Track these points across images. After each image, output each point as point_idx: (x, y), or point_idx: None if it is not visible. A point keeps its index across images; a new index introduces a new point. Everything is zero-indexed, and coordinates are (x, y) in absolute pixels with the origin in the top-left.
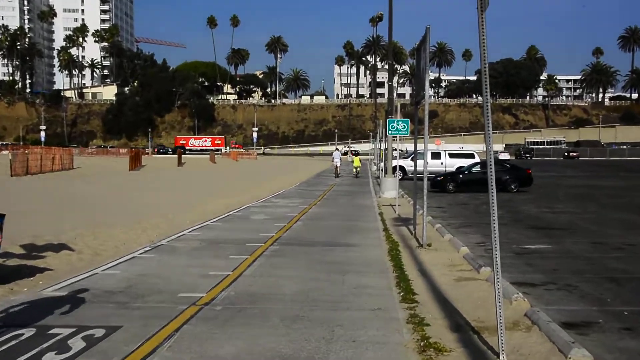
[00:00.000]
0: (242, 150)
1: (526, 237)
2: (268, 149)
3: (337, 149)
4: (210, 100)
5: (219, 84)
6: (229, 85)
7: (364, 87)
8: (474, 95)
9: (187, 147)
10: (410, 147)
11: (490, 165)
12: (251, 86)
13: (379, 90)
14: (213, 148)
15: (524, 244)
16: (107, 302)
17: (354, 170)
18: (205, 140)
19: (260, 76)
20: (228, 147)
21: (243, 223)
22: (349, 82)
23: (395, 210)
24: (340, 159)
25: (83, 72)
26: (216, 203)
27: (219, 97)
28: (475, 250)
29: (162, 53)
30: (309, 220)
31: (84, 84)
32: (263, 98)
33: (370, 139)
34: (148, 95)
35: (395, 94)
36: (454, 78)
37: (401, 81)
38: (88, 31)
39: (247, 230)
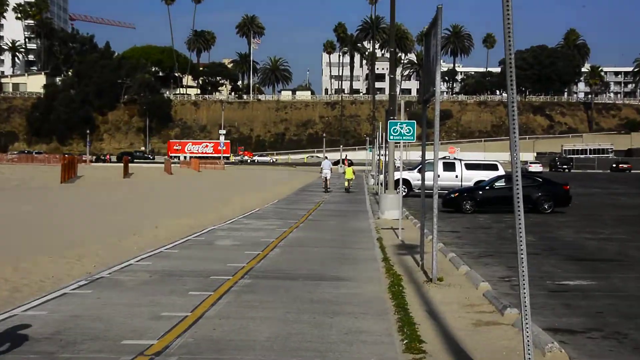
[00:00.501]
0: (242, 156)
1: (563, 271)
2: (275, 157)
3: (326, 158)
4: (165, 95)
5: (177, 74)
6: (190, 77)
7: (359, 80)
8: (498, 92)
9: (181, 154)
10: (416, 156)
11: (517, 179)
12: (218, 78)
13: (378, 85)
14: (216, 155)
15: (560, 279)
16: (28, 353)
17: (346, 183)
18: (207, 146)
19: (230, 65)
20: (243, 155)
21: (206, 250)
22: (340, 73)
23: (398, 235)
24: (331, 169)
25: (1, 57)
26: (172, 224)
27: (177, 92)
28: (498, 286)
29: (105, 35)
30: (290, 247)
31: (3, 72)
32: (233, 93)
33: (366, 145)
34: (86, 88)
35: (398, 90)
36: (472, 70)
37: (406, 73)
38: (8, 5)
39: (212, 259)
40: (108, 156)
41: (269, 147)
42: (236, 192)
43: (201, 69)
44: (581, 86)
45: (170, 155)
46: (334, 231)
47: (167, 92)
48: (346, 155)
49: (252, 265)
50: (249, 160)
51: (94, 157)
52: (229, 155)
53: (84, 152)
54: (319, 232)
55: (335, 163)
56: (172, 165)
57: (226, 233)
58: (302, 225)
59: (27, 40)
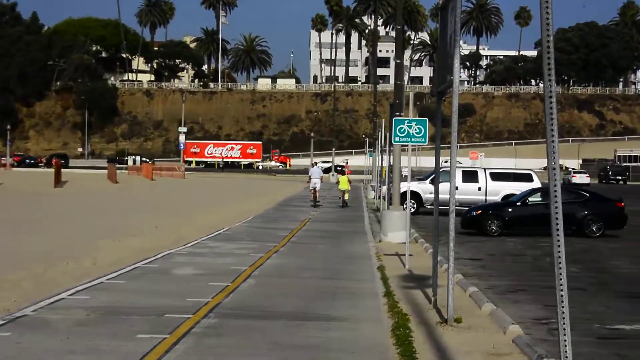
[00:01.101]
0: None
1: (616, 312)
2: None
3: (316, 164)
4: (110, 82)
5: (124, 55)
6: (142, 59)
7: (357, 65)
8: (533, 81)
9: (200, 159)
10: (429, 162)
11: (557, 193)
12: (177, 61)
13: (381, 72)
14: (244, 161)
15: (612, 323)
16: None
17: (344, 196)
18: (232, 148)
19: (192, 45)
20: (275, 160)
21: (160, 281)
22: (333, 56)
23: (405, 264)
24: (321, 178)
25: None
26: (116, 247)
27: (125, 78)
28: (532, 330)
29: (31, 3)
30: (267, 277)
31: None
32: (196, 81)
33: (365, 148)
34: (6, 71)
35: (406, 78)
36: (500, 54)
37: (417, 57)
38: None
39: (167, 292)
40: (41, 159)
41: None
42: (200, 206)
43: (156, 49)
44: None
45: (186, 160)
46: (323, 258)
47: (112, 78)
48: (347, 161)
49: (218, 300)
50: (280, 167)
51: (17, 160)
52: (259, 160)
53: (3, 153)
54: (304, 258)
55: (326, 171)
56: (127, 171)
57: (186, 259)
58: (283, 249)
59: None
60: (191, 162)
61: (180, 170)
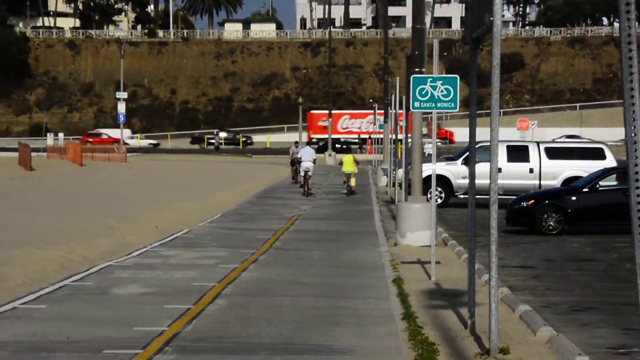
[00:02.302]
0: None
1: None
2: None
3: (302, 143)
4: (18, 30)
5: None
6: None
7: (360, 3)
8: (605, 20)
9: (335, 136)
10: (460, 135)
11: (638, 174)
12: (111, 0)
13: (393, 11)
14: (353, 138)
15: None
16: None
17: (345, 180)
18: (371, 122)
19: None
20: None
21: (96, 304)
22: None
23: (431, 275)
24: (314, 160)
25: None
26: (33, 260)
27: (40, 24)
28: None
29: None
30: (243, 295)
31: None
32: (139, 27)
33: (374, 118)
34: None
35: (428, 20)
36: None
37: None
38: None
39: (106, 320)
40: None
41: (203, 121)
42: (147, 201)
43: None
44: None
45: (311, 138)
46: (319, 268)
47: (21, 25)
48: (369, 139)
49: (177, 329)
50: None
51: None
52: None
53: None
54: (293, 269)
55: (320, 150)
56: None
57: (131, 273)
58: (263, 257)
59: None
60: (315, 140)
61: (120, 152)
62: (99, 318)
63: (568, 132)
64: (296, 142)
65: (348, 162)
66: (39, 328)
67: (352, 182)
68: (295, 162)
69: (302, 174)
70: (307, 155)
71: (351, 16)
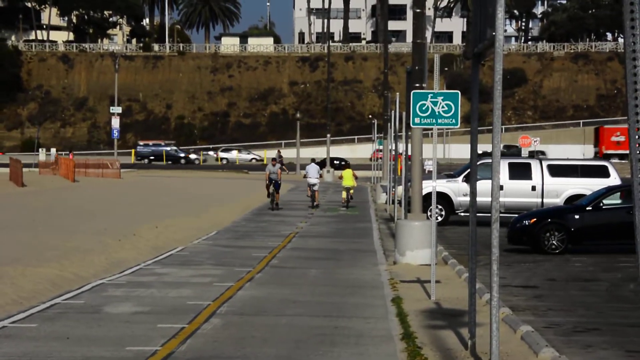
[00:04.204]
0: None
1: None
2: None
3: (313, 161)
4: (10, 43)
5: (31, 5)
6: (56, 10)
7: (360, 18)
8: (609, 35)
9: (624, 152)
10: (461, 152)
11: None
12: (106, 13)
13: (394, 26)
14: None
15: None
16: None
17: (344, 194)
18: None
19: None
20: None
21: (89, 323)
22: (327, 6)
23: (431, 294)
24: (320, 175)
25: None
26: (24, 278)
27: (33, 37)
28: None
29: None
30: (239, 315)
31: None
32: (134, 41)
33: (373, 134)
34: None
35: (429, 35)
36: None
37: (444, 5)
38: None
39: (98, 339)
40: None
41: (199, 136)
42: (141, 217)
43: None
44: None
45: (603, 154)
46: (316, 287)
47: (13, 38)
48: (403, 152)
49: (170, 349)
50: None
51: None
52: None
53: None
54: (290, 288)
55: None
56: (37, 169)
57: (125, 291)
58: (259, 276)
59: None
60: (609, 155)
61: (114, 168)
62: (91, 337)
63: (572, 150)
64: (273, 159)
65: (347, 177)
66: (30, 347)
67: (351, 192)
68: (270, 183)
69: (309, 192)
70: (313, 172)
71: (350, 30)
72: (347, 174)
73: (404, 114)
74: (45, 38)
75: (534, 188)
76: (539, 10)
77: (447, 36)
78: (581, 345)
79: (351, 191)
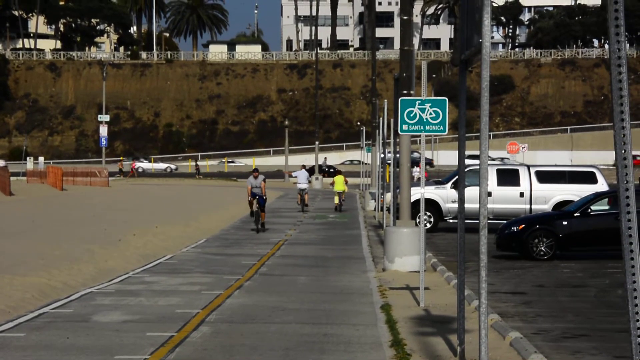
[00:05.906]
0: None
1: None
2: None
3: (303, 167)
4: None
5: (18, 14)
6: (44, 18)
7: (347, 25)
8: (595, 42)
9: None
10: (449, 158)
11: (630, 198)
12: (94, 21)
13: (381, 33)
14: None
15: None
16: None
17: (336, 199)
18: None
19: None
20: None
21: (77, 332)
22: (314, 13)
23: (420, 301)
24: (309, 181)
25: None
26: (15, 285)
27: (19, 46)
28: None
29: None
30: (228, 322)
31: None
32: (121, 49)
33: (361, 141)
34: None
35: (417, 42)
36: (549, 3)
37: (431, 12)
38: None
39: (86, 348)
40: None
41: (187, 144)
42: (130, 225)
43: (62, 3)
44: None
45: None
46: (305, 294)
47: (1, 46)
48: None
49: (159, 357)
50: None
51: None
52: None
53: None
54: (279, 296)
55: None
56: (25, 178)
57: (113, 300)
58: (248, 284)
59: None
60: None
61: (102, 176)
62: (79, 346)
63: (560, 156)
64: (254, 171)
65: (339, 182)
66: (18, 357)
67: (343, 196)
68: (254, 199)
69: (300, 193)
70: (302, 178)
71: (338, 37)
72: (339, 179)
73: (392, 121)
74: (32, 46)
75: (522, 194)
76: (525, 17)
77: (435, 43)
78: (570, 351)
79: (343, 196)
